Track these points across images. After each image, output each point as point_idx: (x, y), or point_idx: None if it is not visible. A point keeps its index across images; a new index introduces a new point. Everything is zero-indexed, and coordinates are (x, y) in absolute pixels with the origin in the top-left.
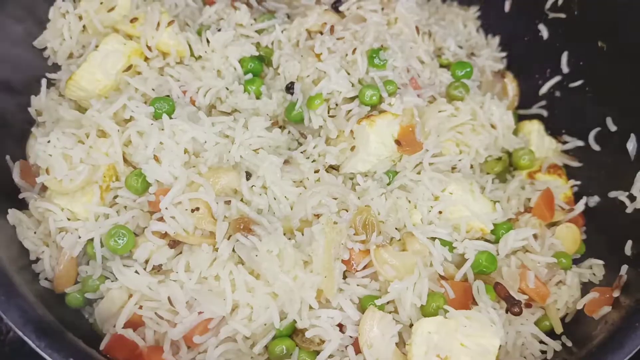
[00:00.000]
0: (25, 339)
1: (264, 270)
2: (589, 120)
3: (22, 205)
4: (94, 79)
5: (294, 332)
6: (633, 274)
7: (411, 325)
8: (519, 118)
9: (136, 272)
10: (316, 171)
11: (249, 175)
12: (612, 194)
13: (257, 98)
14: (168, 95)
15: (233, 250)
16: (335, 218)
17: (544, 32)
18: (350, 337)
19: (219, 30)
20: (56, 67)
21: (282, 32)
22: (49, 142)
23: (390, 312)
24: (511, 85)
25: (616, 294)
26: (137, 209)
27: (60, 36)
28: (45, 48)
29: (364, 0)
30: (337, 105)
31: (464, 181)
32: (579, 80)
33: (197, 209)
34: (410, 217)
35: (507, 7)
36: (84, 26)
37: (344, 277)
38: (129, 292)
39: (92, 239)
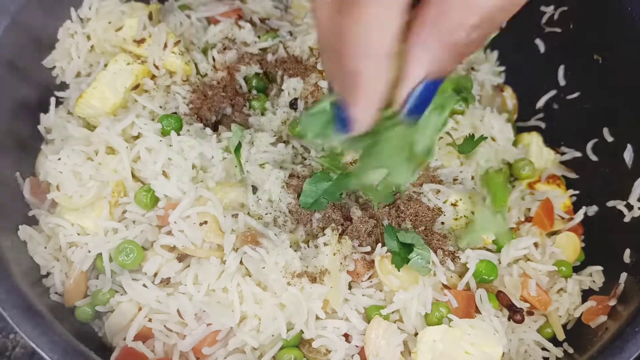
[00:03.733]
0: (40, 351)
1: (271, 282)
2: (586, 131)
3: (33, 222)
4: (103, 97)
5: (300, 343)
6: (631, 282)
7: (416, 334)
8: (518, 130)
9: (144, 285)
10: None
11: (255, 189)
12: (610, 203)
13: (262, 114)
14: (175, 112)
15: (241, 262)
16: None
17: (541, 46)
18: (356, 346)
19: (225, 48)
20: (64, 86)
21: (285, 50)
22: (59, 159)
23: (395, 322)
24: (510, 98)
25: (613, 302)
26: (146, 224)
27: (68, 55)
28: (53, 67)
29: None
30: None
31: (466, 192)
32: (575, 92)
33: (205, 222)
34: None
35: (503, 22)
36: (91, 45)
37: (350, 288)
38: (139, 305)
39: (101, 254)
